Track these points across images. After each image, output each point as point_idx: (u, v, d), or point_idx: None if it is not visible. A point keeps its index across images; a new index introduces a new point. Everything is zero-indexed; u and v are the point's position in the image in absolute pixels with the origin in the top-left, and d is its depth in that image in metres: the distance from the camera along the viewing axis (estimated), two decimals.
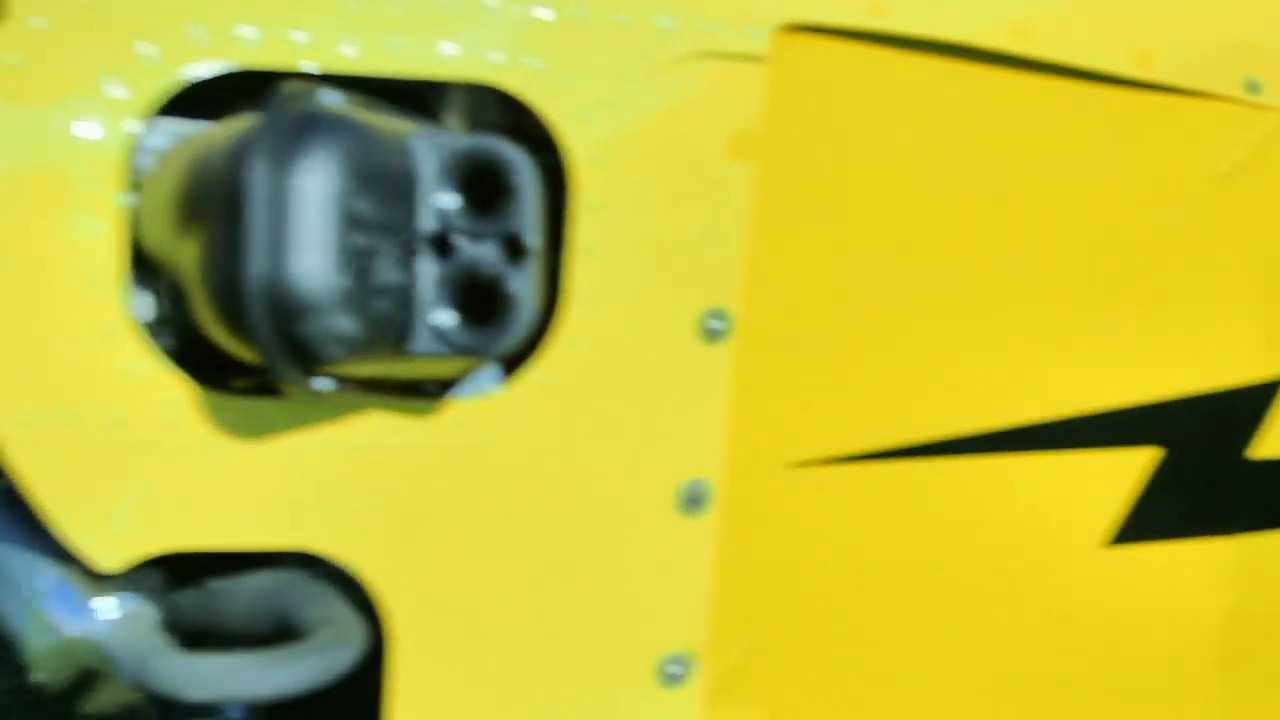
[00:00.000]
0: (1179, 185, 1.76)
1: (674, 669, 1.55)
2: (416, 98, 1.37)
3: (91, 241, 1.28)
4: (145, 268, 1.34)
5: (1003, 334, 1.68)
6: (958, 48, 1.54)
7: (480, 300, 1.25)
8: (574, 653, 1.53)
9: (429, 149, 1.22)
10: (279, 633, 1.43)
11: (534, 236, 1.25)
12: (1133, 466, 1.79)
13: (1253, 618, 1.93)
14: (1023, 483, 1.76)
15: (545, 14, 1.35)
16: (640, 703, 1.56)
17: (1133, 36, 1.66)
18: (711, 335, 1.48)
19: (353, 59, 1.32)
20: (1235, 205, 1.78)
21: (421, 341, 1.23)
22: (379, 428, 1.37)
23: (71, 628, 1.39)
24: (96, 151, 1.28)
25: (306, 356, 1.18)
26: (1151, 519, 1.80)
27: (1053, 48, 1.61)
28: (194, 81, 1.30)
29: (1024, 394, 1.72)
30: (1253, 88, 1.74)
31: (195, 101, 1.34)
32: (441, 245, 1.23)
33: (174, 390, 1.31)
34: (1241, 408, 1.85)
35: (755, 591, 1.61)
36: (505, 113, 1.41)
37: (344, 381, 1.24)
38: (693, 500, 1.51)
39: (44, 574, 1.42)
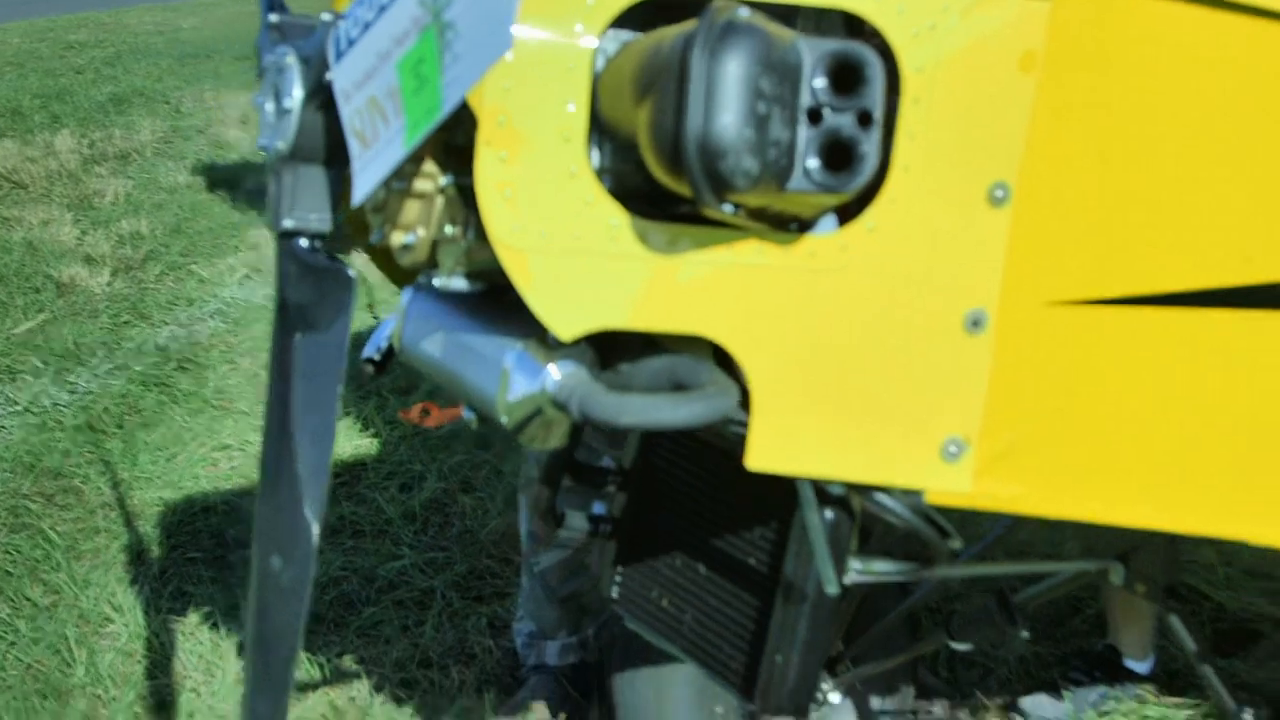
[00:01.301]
0: None
1: (953, 448, 2.03)
2: (796, 16, 1.92)
3: (569, 113, 1.84)
4: (596, 131, 1.92)
5: (1244, 213, 2.11)
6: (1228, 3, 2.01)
7: (838, 156, 1.76)
8: (884, 422, 2.02)
9: (809, 48, 1.73)
10: None
11: (879, 112, 1.77)
12: None
13: None
14: (1258, 335, 2.16)
15: None
16: (927, 470, 2.04)
17: None
18: (996, 201, 1.95)
19: None
20: None
21: (797, 180, 1.73)
22: (756, 249, 1.88)
23: (532, 385, 1.97)
24: (576, 51, 1.86)
25: (722, 186, 1.70)
26: None
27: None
28: (637, 3, 1.88)
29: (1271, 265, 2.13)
30: None
31: (630, 18, 1.91)
32: (814, 115, 1.73)
33: (614, 215, 1.85)
34: None
35: (1018, 398, 2.06)
36: (855, 31, 1.95)
37: (739, 208, 1.78)
38: (975, 323, 1.99)
39: (510, 349, 1.99)
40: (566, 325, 1.88)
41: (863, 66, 1.75)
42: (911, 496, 2.15)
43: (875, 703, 3.67)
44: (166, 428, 6.09)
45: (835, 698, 3.54)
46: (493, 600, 4.56)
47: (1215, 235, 2.11)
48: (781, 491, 2.29)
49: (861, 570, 2.35)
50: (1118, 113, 2.03)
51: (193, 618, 4.47)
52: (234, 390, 6.59)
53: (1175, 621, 3.16)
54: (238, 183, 10.90)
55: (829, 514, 2.24)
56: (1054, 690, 4.09)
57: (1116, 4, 1.96)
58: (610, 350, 2.01)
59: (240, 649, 4.24)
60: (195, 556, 4.92)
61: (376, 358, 2.45)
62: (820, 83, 1.74)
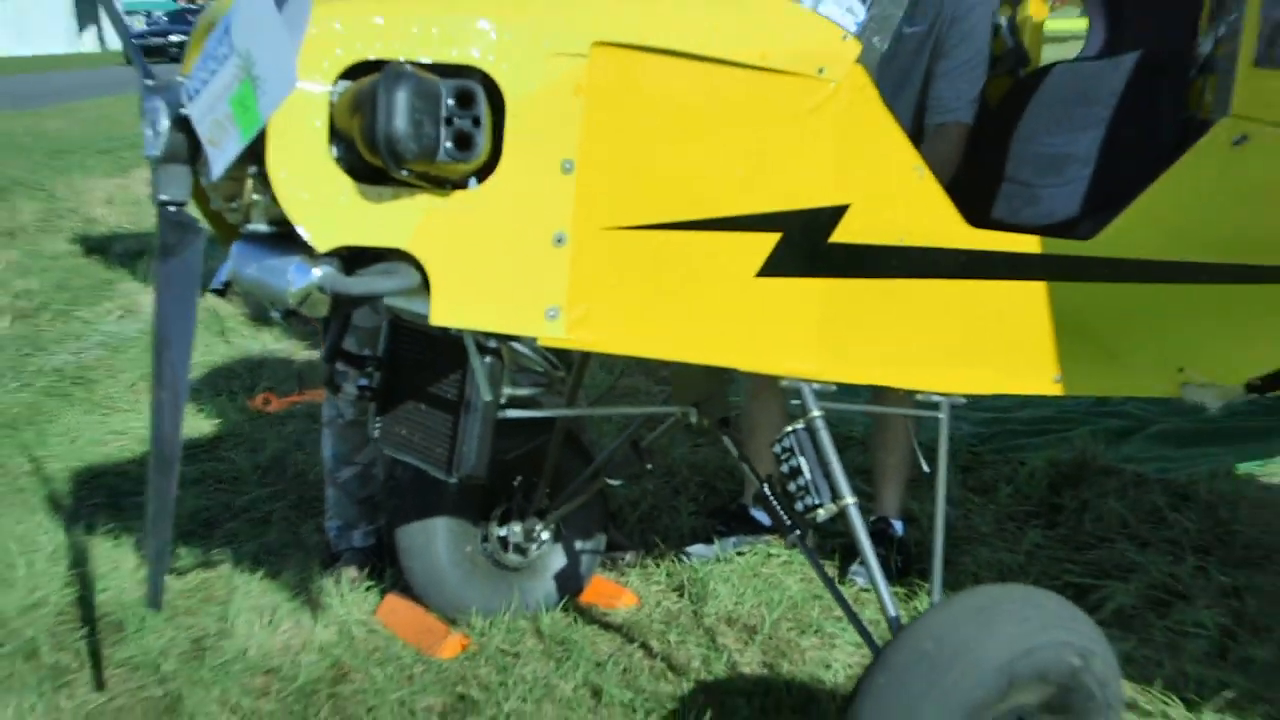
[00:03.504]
0: (789, 114, 3.21)
1: (552, 312, 3.00)
2: (444, 69, 2.86)
3: (317, 127, 2.77)
4: (334, 136, 2.86)
5: (718, 178, 3.19)
6: (678, 52, 3.06)
7: (463, 142, 2.73)
8: (510, 297, 2.98)
9: (444, 84, 2.72)
10: None
11: (485, 119, 2.77)
12: (769, 239, 3.25)
13: (834, 308, 3.43)
14: (723, 245, 3.20)
15: (494, 34, 2.88)
16: (538, 325, 3.01)
17: (758, 44, 3.15)
18: (566, 170, 2.94)
19: (420, 56, 2.85)
20: (814, 124, 3.23)
21: (441, 156, 2.71)
22: (428, 198, 2.84)
23: (305, 279, 2.86)
24: (318, 93, 2.78)
25: (398, 160, 2.67)
26: (777, 265, 3.26)
27: (729, 52, 3.12)
28: (357, 63, 2.85)
29: (728, 205, 3.20)
30: (822, 71, 3.21)
31: (354, 70, 2.86)
32: (449, 120, 2.71)
33: (346, 182, 2.80)
34: (824, 217, 3.30)
35: (589, 282, 3.03)
36: (478, 76, 2.91)
37: (412, 174, 2.77)
38: (559, 240, 2.97)
39: (292, 261, 2.87)
40: (323, 242, 2.84)
41: (474, 93, 2.80)
42: (531, 341, 3.24)
43: (578, 545, 4.77)
44: (67, 423, 7.00)
45: (546, 535, 4.65)
46: (319, 516, 5.50)
47: (694, 187, 3.18)
48: (462, 350, 3.39)
49: (510, 391, 3.45)
50: (634, 117, 3.08)
51: (98, 535, 5.37)
52: (117, 396, 7.50)
53: (745, 468, 4.28)
54: (107, 248, 11.76)
55: (488, 359, 3.35)
56: (708, 541, 5.22)
57: (623, 57, 3.02)
58: (352, 263, 3.06)
59: (136, 547, 5.21)
60: (96, 503, 5.83)
61: (220, 288, 3.50)
62: (451, 102, 2.76)
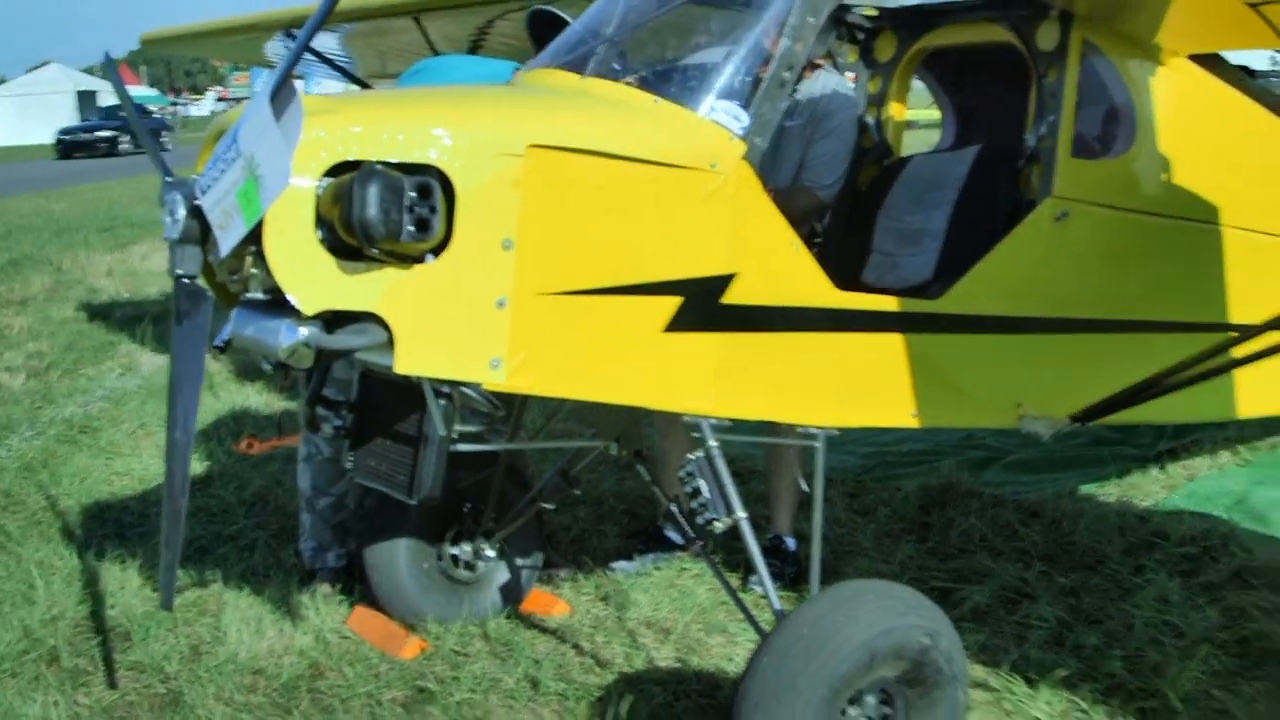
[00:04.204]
0: (687, 200, 3.46)
1: (495, 362, 3.23)
2: (407, 167, 3.13)
3: (305, 215, 3.05)
4: (319, 221, 3.14)
5: (631, 253, 3.43)
6: (598, 152, 3.34)
7: (422, 225, 3.00)
8: (460, 349, 3.21)
9: (408, 179, 3.00)
10: None
11: (440, 206, 3.04)
12: (673, 302, 3.48)
13: (727, 358, 3.65)
14: (635, 307, 3.43)
15: (447, 139, 3.21)
16: (483, 373, 3.23)
17: (662, 144, 3.42)
18: (507, 247, 3.18)
19: (388, 157, 3.12)
20: (708, 208, 3.49)
21: (405, 237, 2.98)
22: (395, 269, 3.08)
23: (293, 337, 3.11)
24: (306, 187, 3.04)
25: (370, 240, 2.93)
26: (680, 323, 3.50)
27: (638, 151, 3.40)
28: (338, 163, 3.12)
29: (639, 274, 3.44)
30: (714, 166, 3.47)
31: (335, 169, 3.13)
32: (410, 209, 2.98)
33: (327, 257, 3.06)
34: (717, 283, 3.54)
35: (526, 337, 3.25)
36: (435, 173, 3.18)
37: (383, 251, 3.03)
38: (501, 304, 3.20)
39: (283, 322, 3.12)
40: (309, 307, 3.09)
41: (431, 187, 3.06)
42: (478, 386, 3.50)
43: (519, 561, 5.00)
44: (77, 465, 7.16)
45: (492, 553, 4.88)
46: (297, 541, 5.74)
47: (612, 260, 3.42)
48: (421, 394, 3.64)
49: (460, 429, 3.70)
50: (562, 204, 3.32)
51: (106, 560, 5.56)
52: (120, 442, 7.65)
53: (657, 490, 4.51)
54: (109, 314, 11.92)
55: (442, 400, 3.60)
56: (630, 558, 5.46)
57: (553, 156, 3.28)
58: (332, 324, 3.29)
59: (140, 569, 5.39)
60: (104, 533, 6.01)
61: (221, 345, 3.71)
62: (412, 194, 3.04)
